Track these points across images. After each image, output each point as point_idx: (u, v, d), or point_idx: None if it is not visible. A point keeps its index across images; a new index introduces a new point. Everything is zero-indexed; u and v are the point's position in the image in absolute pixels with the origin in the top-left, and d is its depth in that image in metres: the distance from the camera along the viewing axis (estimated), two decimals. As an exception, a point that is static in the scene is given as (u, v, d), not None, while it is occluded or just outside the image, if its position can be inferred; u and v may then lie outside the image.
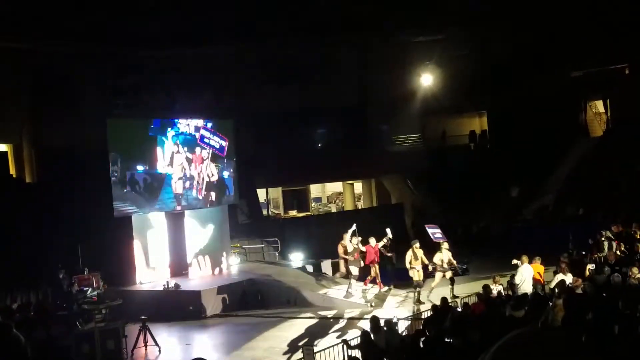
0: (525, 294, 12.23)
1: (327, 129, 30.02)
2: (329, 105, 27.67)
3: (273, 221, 26.73)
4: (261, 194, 27.53)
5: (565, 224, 21.23)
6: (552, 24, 25.99)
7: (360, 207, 32.20)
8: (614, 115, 28.37)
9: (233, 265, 20.75)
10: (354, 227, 16.58)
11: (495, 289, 13.34)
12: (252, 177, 24.24)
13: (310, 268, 20.36)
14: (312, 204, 34.40)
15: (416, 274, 15.50)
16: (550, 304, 10.32)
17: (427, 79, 28.63)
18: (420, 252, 15.75)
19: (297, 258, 21.30)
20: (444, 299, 11.84)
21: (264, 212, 27.59)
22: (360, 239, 16.40)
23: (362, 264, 16.26)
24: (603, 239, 15.56)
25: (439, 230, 16.87)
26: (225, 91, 23.10)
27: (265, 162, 24.95)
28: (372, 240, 16.45)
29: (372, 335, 9.93)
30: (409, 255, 15.70)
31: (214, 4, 17.76)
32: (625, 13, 24.78)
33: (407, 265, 15.59)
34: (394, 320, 11.23)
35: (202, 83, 21.78)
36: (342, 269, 17.05)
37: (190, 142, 19.24)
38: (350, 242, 16.33)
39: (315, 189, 35.28)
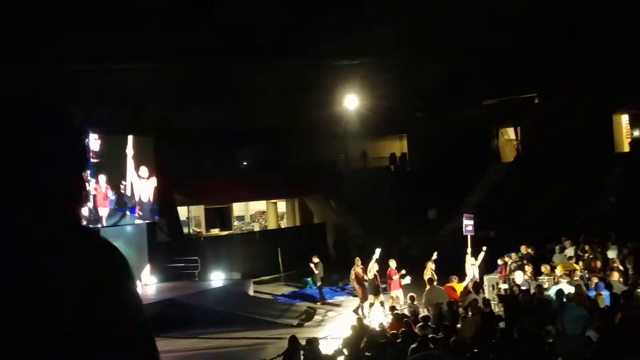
0: (439, 312, 12.65)
1: (251, 149, 30.02)
2: (253, 125, 27.73)
3: (194, 240, 26.26)
4: (183, 211, 27.04)
5: (478, 246, 22.05)
6: (469, 53, 27.30)
7: (283, 226, 32.23)
8: (524, 142, 29.98)
9: (150, 284, 20.21)
10: (377, 252, 16.43)
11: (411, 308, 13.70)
12: (173, 195, 23.79)
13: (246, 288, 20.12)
14: (235, 223, 34.09)
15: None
16: (460, 322, 10.76)
17: (349, 102, 29.31)
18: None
19: (217, 277, 21.03)
20: (359, 319, 12.04)
21: (185, 230, 27.10)
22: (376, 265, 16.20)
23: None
24: (511, 261, 16.35)
25: (471, 222, 16.64)
26: (147, 108, 22.69)
27: (187, 180, 24.59)
28: (393, 263, 16.23)
29: (290, 355, 9.95)
30: (428, 276, 15.43)
31: (140, 21, 17.46)
32: (537, 46, 26.41)
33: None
34: (315, 339, 11.30)
35: (121, 99, 21.31)
36: (360, 293, 16.69)
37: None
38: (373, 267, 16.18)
39: (238, 208, 35.00)
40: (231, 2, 19.10)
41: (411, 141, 32.93)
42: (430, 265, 15.93)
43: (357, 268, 16.64)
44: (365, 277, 16.35)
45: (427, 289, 13.97)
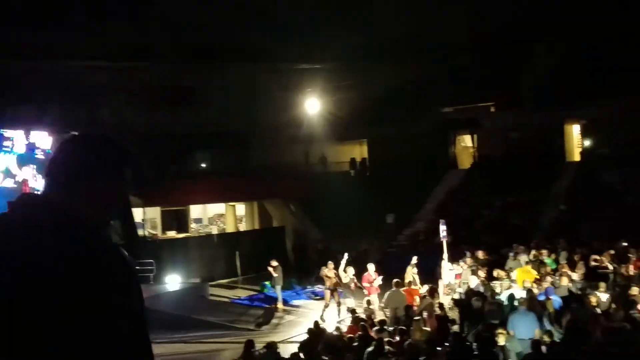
0: (396, 316, 12.81)
1: (211, 151, 29.80)
2: (213, 128, 27.54)
3: (149, 242, 25.85)
4: (138, 213, 26.59)
5: (434, 251, 22.40)
6: (429, 61, 27.83)
7: (242, 230, 32.04)
8: (480, 149, 30.64)
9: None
10: (346, 256, 16.24)
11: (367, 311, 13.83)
12: (127, 196, 23.42)
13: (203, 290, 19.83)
14: (193, 225, 33.71)
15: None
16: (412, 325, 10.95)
17: (311, 106, 29.45)
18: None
19: (174, 280, 20.75)
20: (316, 323, 12.09)
21: (140, 232, 26.64)
22: (349, 268, 16.05)
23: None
24: (466, 265, 16.66)
25: (445, 228, 16.54)
26: (104, 109, 22.31)
27: (144, 181, 24.22)
28: (371, 268, 15.95)
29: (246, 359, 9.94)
30: (409, 278, 15.45)
31: (102, 23, 17.21)
32: (495, 56, 27.12)
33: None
34: (274, 343, 11.30)
35: (77, 98, 20.90)
36: (328, 299, 16.44)
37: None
38: (344, 272, 16.01)
39: (196, 210, 34.62)
40: (192, 4, 19.03)
41: (371, 146, 33.23)
42: (411, 270, 16.05)
43: (330, 272, 16.56)
44: (340, 282, 16.30)
45: (390, 290, 14.14)
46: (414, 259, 16.39)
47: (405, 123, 29.09)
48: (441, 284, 16.27)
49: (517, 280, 14.32)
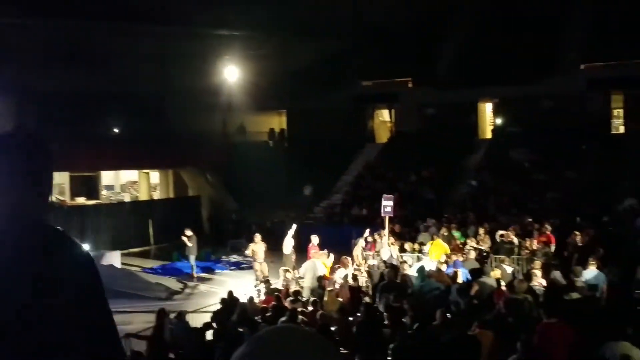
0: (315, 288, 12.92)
1: (124, 116, 28.62)
2: (127, 92, 26.42)
3: (56, 209, 24.65)
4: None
5: (350, 223, 22.73)
6: (349, 36, 27.87)
7: (156, 198, 31.22)
8: (397, 124, 31.23)
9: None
10: (294, 227, 15.77)
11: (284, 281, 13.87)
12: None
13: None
14: (104, 192, 32.51)
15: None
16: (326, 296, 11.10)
17: (229, 74, 28.83)
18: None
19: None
20: (230, 292, 12.01)
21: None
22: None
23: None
24: (380, 238, 16.97)
25: (391, 203, 16.03)
26: (5, 68, 20.83)
27: (50, 144, 22.95)
28: (315, 239, 15.44)
29: (159, 329, 9.74)
30: (358, 254, 15.17)
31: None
32: (415, 33, 27.52)
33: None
34: (182, 312, 11.11)
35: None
36: (259, 271, 15.92)
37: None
38: (287, 243, 15.52)
39: (108, 176, 33.38)
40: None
41: (290, 117, 33.06)
42: (361, 243, 16.05)
43: (258, 245, 16.32)
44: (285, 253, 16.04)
45: (307, 261, 14.20)
46: (367, 232, 16.38)
47: (325, 95, 29.07)
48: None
49: (430, 253, 14.73)
